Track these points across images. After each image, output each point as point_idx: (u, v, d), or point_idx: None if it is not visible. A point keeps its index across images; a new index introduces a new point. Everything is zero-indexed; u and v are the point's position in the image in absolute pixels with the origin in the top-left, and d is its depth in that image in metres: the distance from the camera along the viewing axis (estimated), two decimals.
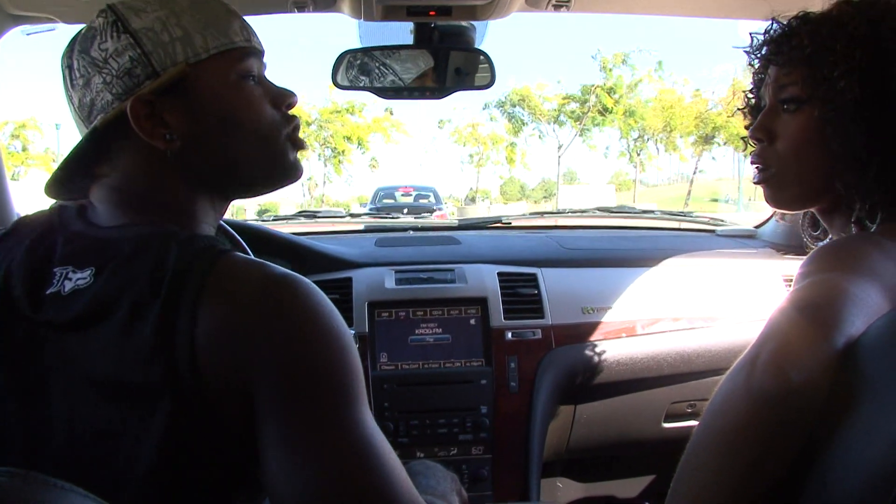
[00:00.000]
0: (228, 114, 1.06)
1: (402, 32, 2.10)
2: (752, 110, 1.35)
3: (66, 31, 1.95)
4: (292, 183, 1.17)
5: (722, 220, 3.05)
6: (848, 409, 0.94)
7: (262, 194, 1.19)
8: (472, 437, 2.10)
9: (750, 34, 1.32)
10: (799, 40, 1.18)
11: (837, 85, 1.11)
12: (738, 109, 1.44)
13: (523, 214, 3.16)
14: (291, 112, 1.15)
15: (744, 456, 0.98)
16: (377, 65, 2.12)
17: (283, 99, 1.13)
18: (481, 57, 2.12)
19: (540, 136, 38.36)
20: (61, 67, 1.05)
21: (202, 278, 0.90)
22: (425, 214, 15.79)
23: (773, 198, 1.28)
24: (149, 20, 1.01)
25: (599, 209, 3.21)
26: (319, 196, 43.42)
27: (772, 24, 1.26)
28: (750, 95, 1.37)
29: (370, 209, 17.15)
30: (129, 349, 0.87)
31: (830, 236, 1.30)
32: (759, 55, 1.29)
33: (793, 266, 2.47)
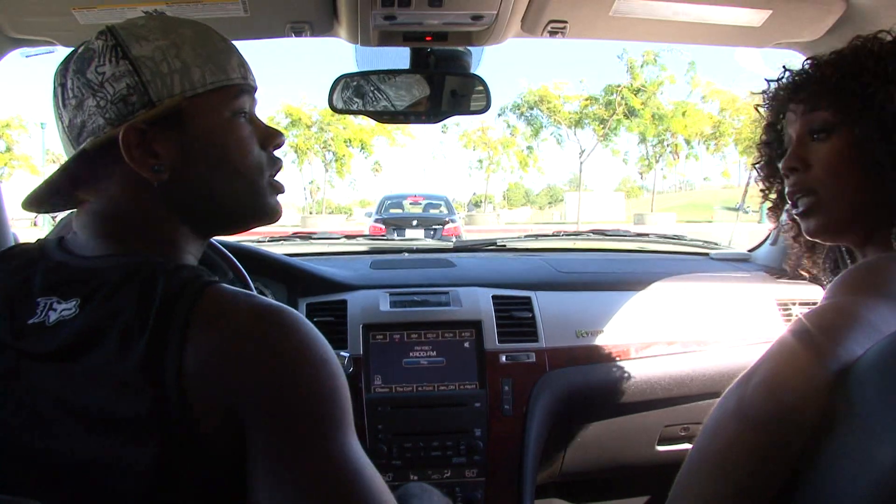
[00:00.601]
0: (218, 151, 1.06)
1: (398, 57, 2.11)
2: (770, 160, 1.40)
3: (63, 52, 1.97)
4: (268, 224, 1.17)
5: (716, 244, 3.06)
6: (838, 434, 0.95)
7: (237, 233, 1.19)
8: (465, 460, 2.10)
9: (766, 80, 1.38)
10: (821, 74, 1.25)
11: (875, 99, 1.16)
12: (753, 166, 1.48)
13: (518, 237, 3.16)
14: (277, 153, 1.17)
15: (734, 476, 1.00)
16: (373, 89, 2.14)
17: (272, 140, 1.14)
18: (477, 81, 2.14)
19: (559, 141, 36.58)
20: (53, 85, 1.04)
21: (189, 310, 0.89)
22: (436, 227, 15.35)
23: (818, 225, 1.28)
24: (149, 49, 1.00)
25: (594, 232, 3.22)
26: (320, 200, 42.78)
27: (784, 71, 1.32)
28: (765, 149, 1.41)
29: (375, 220, 16.48)
30: (116, 381, 0.86)
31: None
32: (778, 98, 1.34)
33: (786, 290, 2.48)
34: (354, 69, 2.17)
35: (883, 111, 1.16)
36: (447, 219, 16.76)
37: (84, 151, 1.00)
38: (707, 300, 2.43)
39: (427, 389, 2.13)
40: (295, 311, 0.95)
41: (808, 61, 1.30)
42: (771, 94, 1.36)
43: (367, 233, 12.95)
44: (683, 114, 33.64)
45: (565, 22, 1.93)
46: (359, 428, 2.02)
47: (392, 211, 18.90)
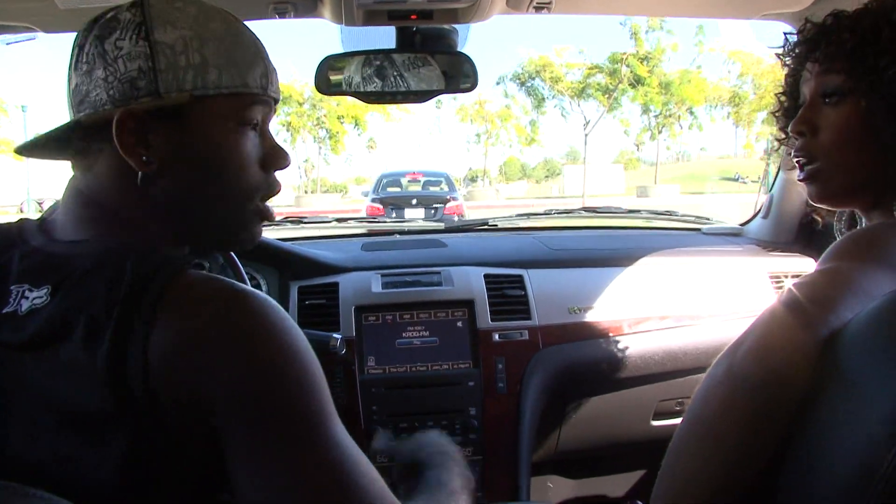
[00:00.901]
0: (214, 160, 1.01)
1: (384, 36, 2.10)
2: (786, 112, 1.37)
3: (45, 40, 1.95)
4: (236, 251, 1.14)
5: (708, 219, 3.06)
6: (827, 399, 0.96)
7: (207, 251, 1.15)
8: (461, 439, 2.10)
9: (784, 34, 1.35)
10: (839, 35, 1.20)
11: (885, 75, 1.13)
12: (770, 113, 1.45)
13: (510, 216, 3.15)
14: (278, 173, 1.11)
15: (725, 442, 1.00)
16: (359, 69, 2.12)
17: (277, 161, 1.09)
18: (463, 60, 2.13)
19: (563, 113, 34.72)
20: (73, 44, 0.99)
21: (157, 298, 0.86)
22: (437, 205, 14.80)
23: (820, 193, 1.27)
24: (172, 36, 0.96)
25: (585, 209, 3.21)
26: (315, 179, 42.22)
27: (805, 23, 1.28)
28: (782, 98, 1.38)
29: (373, 199, 15.70)
30: (83, 373, 0.83)
31: None
32: (794, 54, 1.31)
33: (779, 263, 2.49)
34: (340, 50, 2.16)
35: (893, 86, 1.13)
36: (448, 196, 16.08)
37: (79, 122, 0.96)
38: (699, 274, 2.43)
39: (421, 370, 2.14)
40: (266, 296, 0.92)
41: (831, 16, 1.25)
42: (790, 47, 1.33)
43: (363, 213, 12.86)
44: (689, 81, 32.29)
45: None
46: (353, 409, 2.04)
47: (390, 189, 18.04)
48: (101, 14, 0.99)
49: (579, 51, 38.03)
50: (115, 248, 0.93)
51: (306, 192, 42.69)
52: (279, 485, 0.83)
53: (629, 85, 31.77)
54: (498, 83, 34.96)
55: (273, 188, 1.10)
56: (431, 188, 18.25)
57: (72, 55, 0.99)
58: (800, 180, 1.28)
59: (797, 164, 1.28)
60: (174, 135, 0.98)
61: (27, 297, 0.89)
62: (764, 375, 1.00)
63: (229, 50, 0.99)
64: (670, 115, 34.73)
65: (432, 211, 14.53)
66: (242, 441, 0.84)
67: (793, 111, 1.32)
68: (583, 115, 33.80)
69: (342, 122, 36.81)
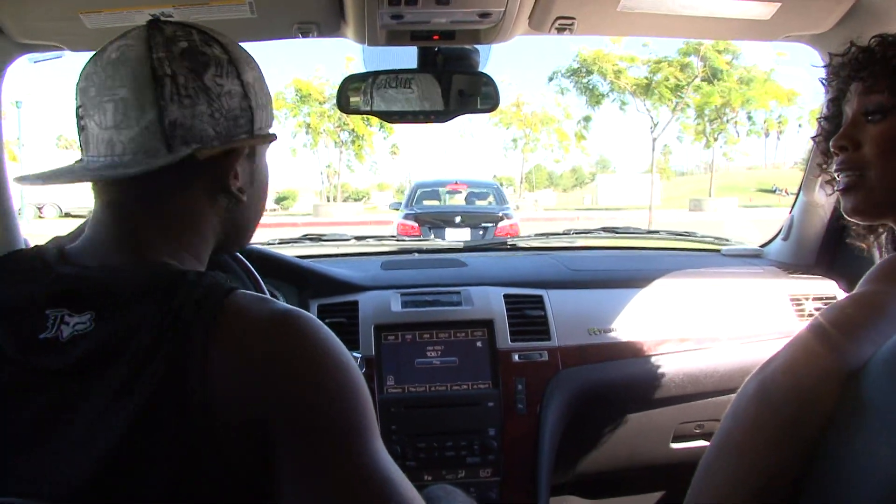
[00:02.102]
0: (265, 186, 1.15)
1: (406, 56, 2.11)
2: (827, 135, 1.38)
3: (72, 57, 1.97)
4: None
5: (727, 240, 3.05)
6: (854, 426, 0.95)
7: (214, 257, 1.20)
8: (480, 460, 2.09)
9: (830, 55, 1.37)
10: (884, 55, 1.24)
11: None
12: (812, 138, 1.47)
13: (528, 236, 3.15)
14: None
15: (755, 457, 1.01)
16: (381, 89, 2.13)
17: None
18: (485, 80, 2.14)
19: (622, 106, 29.07)
20: (153, 65, 0.96)
21: (212, 319, 0.88)
22: (486, 225, 11.78)
23: (857, 205, 1.28)
24: (252, 76, 1.05)
25: (605, 229, 3.21)
26: (336, 185, 40.41)
27: (850, 46, 1.31)
28: (824, 123, 1.40)
29: (406, 215, 12.55)
30: (136, 398, 0.84)
31: None
32: (839, 75, 1.33)
33: (800, 285, 2.47)
34: (362, 69, 2.17)
35: None
36: (500, 213, 12.54)
37: (192, 157, 0.97)
38: (719, 296, 2.42)
39: (440, 389, 2.13)
40: (312, 315, 0.95)
41: (876, 38, 1.29)
42: (834, 70, 1.35)
43: (395, 232, 11.29)
44: (764, 81, 27.28)
45: (573, 18, 1.92)
46: None
47: (427, 203, 14.44)
48: (166, 36, 0.99)
49: (643, 43, 30.71)
50: (161, 271, 0.96)
51: (328, 198, 41.37)
52: (329, 495, 0.85)
53: (704, 81, 26.69)
54: (551, 78, 30.75)
55: None
56: (478, 202, 14.98)
57: (157, 82, 0.95)
58: (838, 191, 1.31)
59: (836, 177, 1.30)
60: (249, 167, 1.09)
61: (67, 323, 0.89)
62: (793, 392, 1.01)
63: (270, 91, 1.12)
64: (728, 119, 30.86)
65: (480, 232, 11.80)
66: (296, 457, 0.86)
67: (833, 135, 1.33)
68: (649, 114, 29.14)
69: (367, 124, 34.29)
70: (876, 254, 1.48)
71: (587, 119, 32.15)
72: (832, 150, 1.30)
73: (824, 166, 1.43)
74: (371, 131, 34.64)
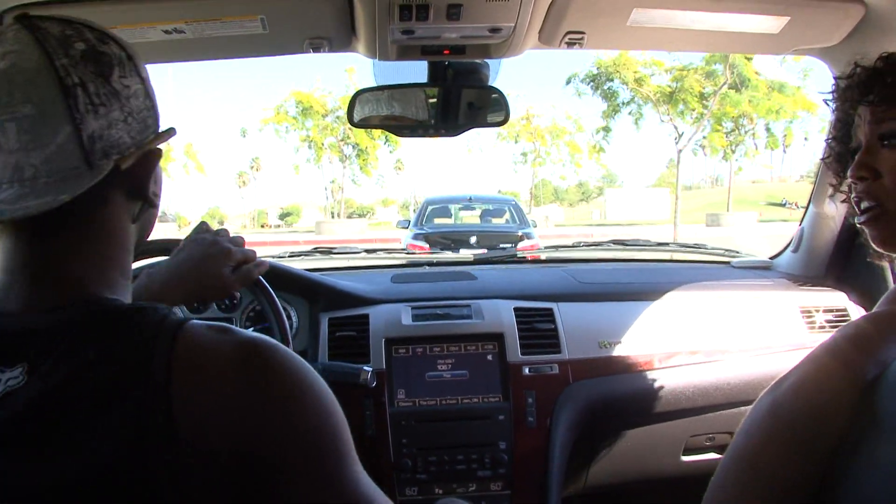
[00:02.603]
0: (161, 186, 1.03)
1: (416, 71, 2.12)
2: (838, 157, 1.35)
3: None
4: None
5: (737, 252, 3.05)
6: (867, 443, 0.95)
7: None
8: (490, 473, 2.09)
9: (835, 78, 1.33)
10: (893, 77, 1.19)
11: None
12: (822, 160, 1.44)
13: (539, 248, 3.16)
14: None
15: (767, 474, 1.01)
16: (392, 103, 2.15)
17: None
18: (495, 94, 2.15)
19: (637, 119, 27.62)
20: (56, 72, 0.85)
21: (167, 362, 0.81)
22: (505, 246, 10.41)
23: (884, 237, 1.22)
24: (146, 71, 0.96)
25: (615, 242, 3.21)
26: (340, 200, 40.08)
27: (855, 67, 1.26)
28: (833, 144, 1.36)
29: (415, 235, 11.46)
30: (84, 458, 0.76)
31: None
32: (846, 98, 1.29)
33: (810, 297, 2.47)
34: (372, 83, 2.18)
35: None
36: (519, 232, 11.57)
37: (118, 169, 0.88)
38: (729, 309, 2.42)
39: (450, 403, 2.13)
40: (277, 342, 0.91)
41: (882, 59, 1.24)
42: (840, 93, 1.31)
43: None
44: (797, 89, 25.25)
45: (583, 33, 1.93)
46: (383, 442, 2.04)
47: (438, 222, 13.48)
48: (68, 39, 0.88)
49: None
50: (97, 310, 0.87)
51: (333, 214, 40.99)
52: None
53: (731, 88, 24.79)
54: (568, 82, 28.58)
55: None
56: (494, 220, 13.93)
57: (69, 95, 0.85)
58: (860, 223, 1.25)
59: (857, 208, 1.25)
60: (154, 168, 0.97)
61: None
62: (806, 410, 1.00)
63: None
64: (747, 131, 30.25)
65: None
66: (275, 493, 0.83)
67: (844, 156, 1.31)
68: (674, 126, 27.19)
69: (372, 138, 33.46)
70: (888, 269, 1.47)
71: (607, 129, 30.27)
72: (851, 180, 1.25)
73: (838, 187, 1.40)
74: (376, 144, 33.86)
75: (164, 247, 1.59)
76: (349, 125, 2.22)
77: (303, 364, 0.90)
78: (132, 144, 0.91)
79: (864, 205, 1.23)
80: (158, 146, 0.96)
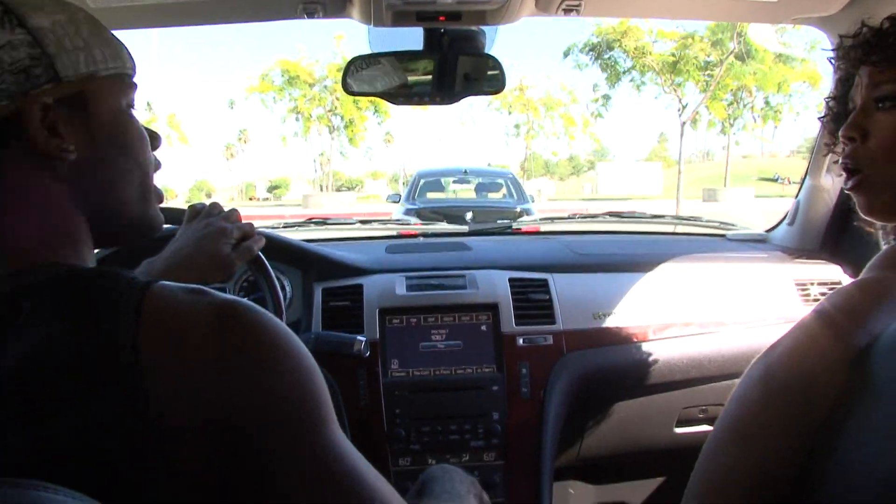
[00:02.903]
0: (123, 140, 0.98)
1: (412, 37, 2.10)
2: (835, 117, 1.33)
3: None
4: (147, 238, 1.05)
5: (732, 224, 3.05)
6: (859, 410, 0.95)
7: (116, 245, 1.06)
8: (483, 444, 2.10)
9: (840, 37, 1.30)
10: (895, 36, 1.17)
11: None
12: (820, 119, 1.42)
13: (534, 220, 3.16)
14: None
15: (760, 441, 1.01)
16: (387, 70, 2.13)
17: (155, 140, 1.06)
18: (491, 62, 2.13)
19: (638, 87, 27.29)
20: None
21: (134, 328, 0.78)
22: (504, 222, 8.59)
23: (869, 205, 1.21)
24: (48, 21, 0.89)
25: (610, 214, 3.21)
26: (328, 172, 38.95)
27: (862, 26, 1.24)
28: (832, 104, 1.34)
29: (407, 210, 10.86)
30: (53, 437, 0.74)
31: None
32: (849, 58, 1.26)
33: (804, 270, 2.46)
34: (367, 51, 2.16)
35: None
36: (518, 208, 11.02)
37: None
38: (724, 281, 2.41)
39: (444, 373, 2.13)
40: (255, 305, 0.87)
41: (889, 19, 1.21)
42: (844, 51, 1.28)
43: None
44: (803, 61, 25.07)
45: (580, 0, 1.91)
46: (376, 412, 2.04)
47: (431, 196, 12.52)
48: None
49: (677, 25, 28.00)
50: (54, 274, 0.85)
51: (321, 187, 40.06)
52: (289, 491, 0.81)
53: (736, 57, 24.46)
54: (567, 54, 27.74)
55: (158, 165, 1.08)
56: (490, 195, 13.16)
57: None
58: (847, 190, 1.24)
59: (845, 172, 1.24)
60: (82, 121, 0.92)
61: None
62: (799, 376, 1.01)
63: (100, 31, 0.96)
64: (746, 104, 30.00)
65: None
66: (255, 457, 0.81)
67: (842, 117, 1.28)
68: (677, 96, 26.55)
69: (359, 108, 32.50)
70: (881, 238, 1.46)
71: (606, 97, 29.98)
72: (841, 139, 1.24)
73: (832, 147, 1.39)
74: (364, 116, 32.83)
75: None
76: (344, 92, 2.18)
77: (282, 327, 0.87)
78: (2, 97, 0.85)
79: (851, 167, 1.22)
80: (62, 94, 0.90)
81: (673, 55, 25.34)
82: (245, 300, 0.87)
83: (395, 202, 12.64)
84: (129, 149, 0.98)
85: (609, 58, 26.88)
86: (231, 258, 1.44)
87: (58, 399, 0.74)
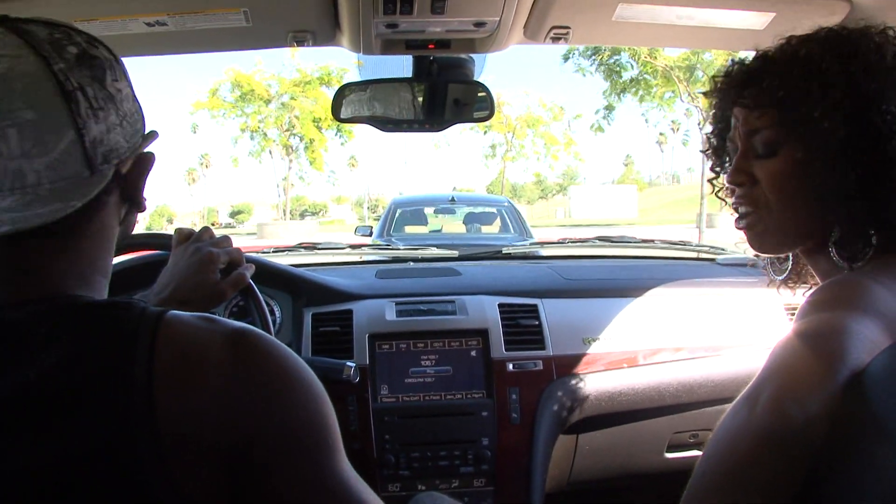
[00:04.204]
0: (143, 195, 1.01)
1: (401, 65, 2.11)
2: (715, 151, 1.32)
3: None
4: None
5: (723, 249, 3.05)
6: (854, 444, 0.94)
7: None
8: (473, 470, 2.09)
9: (713, 78, 1.29)
10: (769, 82, 1.14)
11: (821, 125, 1.07)
12: (702, 152, 1.41)
13: (524, 244, 3.16)
14: None
15: (748, 493, 0.98)
16: (377, 98, 2.14)
17: None
18: (480, 89, 2.14)
19: (643, 96, 25.05)
20: (56, 77, 0.83)
21: (149, 356, 0.79)
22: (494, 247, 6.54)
23: (760, 243, 1.23)
24: (129, 77, 0.95)
25: (600, 238, 3.21)
26: (290, 198, 36.93)
27: (732, 64, 1.23)
28: (712, 138, 1.32)
29: (384, 242, 7.81)
30: (59, 463, 0.75)
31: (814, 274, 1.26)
32: (723, 96, 1.25)
33: (794, 294, 2.46)
34: (357, 77, 2.18)
35: (828, 136, 1.07)
36: (517, 245, 7.25)
37: (118, 174, 0.91)
38: (714, 306, 2.42)
39: (434, 399, 2.13)
40: (264, 332, 0.90)
41: (758, 59, 1.20)
42: (718, 90, 1.26)
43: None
44: None
45: (568, 28, 1.92)
46: (366, 438, 2.03)
47: (410, 231, 10.05)
48: (59, 44, 0.86)
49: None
50: (68, 304, 0.86)
51: (285, 212, 38.30)
52: None
53: None
54: (566, 59, 25.64)
55: None
56: (484, 228, 10.70)
57: (70, 99, 0.84)
58: (738, 228, 1.24)
59: (735, 213, 1.24)
60: (147, 172, 0.98)
61: None
62: (786, 427, 0.97)
63: None
64: None
65: None
66: (261, 485, 0.82)
67: (721, 151, 1.29)
68: (692, 102, 24.01)
69: (319, 129, 30.55)
70: (770, 271, 1.43)
71: (609, 108, 27.69)
72: (727, 186, 1.24)
73: (714, 181, 1.35)
74: (323, 137, 30.97)
75: (150, 241, 1.57)
76: (334, 120, 2.19)
77: (292, 354, 0.90)
78: (128, 148, 0.91)
79: (741, 210, 1.22)
80: (149, 150, 0.97)
81: (686, 60, 23.56)
82: (255, 328, 0.89)
83: (365, 236, 10.07)
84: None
85: (614, 63, 25.09)
86: (222, 287, 1.44)
87: (69, 418, 0.76)
